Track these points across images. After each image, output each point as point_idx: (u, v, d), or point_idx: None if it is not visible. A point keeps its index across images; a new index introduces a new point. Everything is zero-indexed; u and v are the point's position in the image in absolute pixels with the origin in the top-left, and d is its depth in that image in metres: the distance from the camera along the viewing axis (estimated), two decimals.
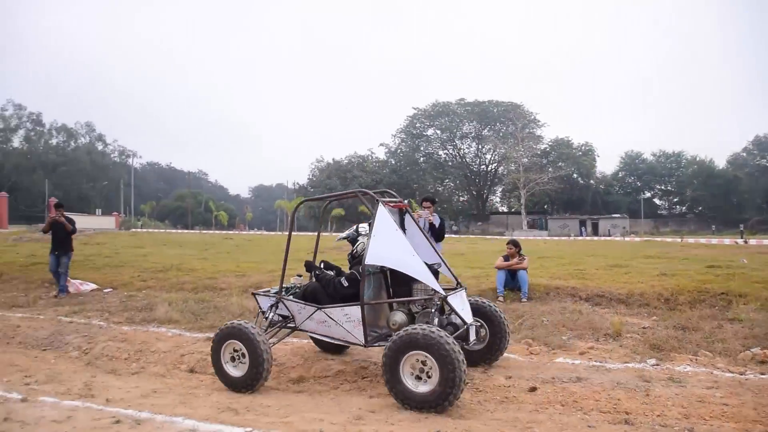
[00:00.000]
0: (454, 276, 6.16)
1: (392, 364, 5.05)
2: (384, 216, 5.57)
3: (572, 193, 71.71)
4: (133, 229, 51.88)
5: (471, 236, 44.48)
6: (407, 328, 5.11)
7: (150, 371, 6.73)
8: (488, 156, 76.64)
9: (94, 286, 12.15)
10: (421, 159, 79.05)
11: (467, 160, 78.18)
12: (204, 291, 11.06)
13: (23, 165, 79.99)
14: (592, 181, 75.07)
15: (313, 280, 6.44)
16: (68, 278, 11.90)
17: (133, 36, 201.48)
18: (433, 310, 5.58)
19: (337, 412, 5.08)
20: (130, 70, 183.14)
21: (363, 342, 5.56)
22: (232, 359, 5.86)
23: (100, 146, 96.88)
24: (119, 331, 8.36)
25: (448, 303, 5.53)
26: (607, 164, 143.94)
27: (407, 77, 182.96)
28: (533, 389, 5.54)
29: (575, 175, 72.32)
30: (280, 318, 6.28)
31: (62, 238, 11.80)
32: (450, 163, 78.56)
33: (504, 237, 39.91)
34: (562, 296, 9.40)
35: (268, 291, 6.56)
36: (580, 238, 47.41)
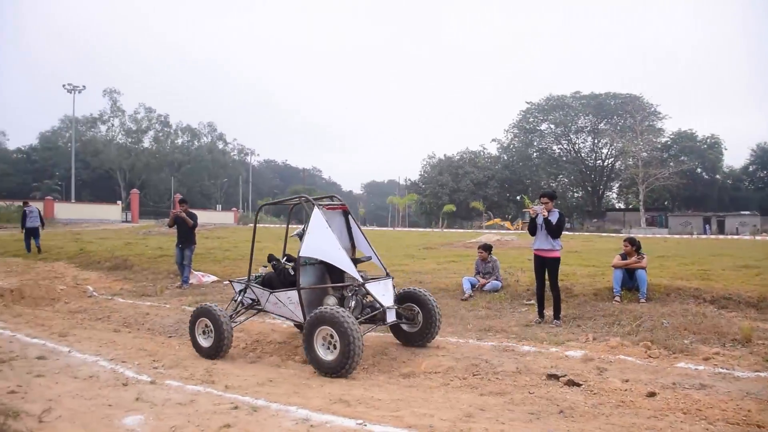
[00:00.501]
0: (383, 267, 7.16)
1: (308, 336, 6.15)
2: (317, 217, 6.66)
3: (695, 188, 67.11)
4: (251, 224, 54.55)
5: (585, 233, 42.78)
6: (320, 308, 6.18)
7: (266, 361, 7.04)
8: (605, 150, 73.49)
9: (214, 278, 12.93)
10: (534, 154, 77.07)
11: (582, 155, 75.31)
12: None
13: (152, 164, 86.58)
14: (718, 176, 70.01)
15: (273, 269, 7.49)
16: (191, 270, 12.74)
17: (251, 40, 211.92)
18: (350, 294, 6.69)
19: (447, 408, 5.07)
20: (248, 73, 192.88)
21: (302, 320, 6.60)
22: (203, 333, 7.10)
23: (220, 145, 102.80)
24: (237, 321, 8.83)
25: (366, 289, 6.62)
26: (735, 157, 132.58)
27: (520, 71, 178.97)
28: (652, 394, 5.25)
29: (699, 170, 67.66)
30: (251, 300, 7.48)
31: (185, 232, 12.65)
32: (564, 159, 76.01)
33: (621, 234, 38.05)
34: (683, 298, 8.89)
35: (241, 279, 7.79)
36: (704, 236, 44.33)
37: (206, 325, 7.07)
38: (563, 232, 8.47)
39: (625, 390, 5.44)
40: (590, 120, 73.41)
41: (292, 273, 7.02)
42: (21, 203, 21.35)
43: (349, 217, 7.39)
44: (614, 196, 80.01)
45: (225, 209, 79.94)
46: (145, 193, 79.43)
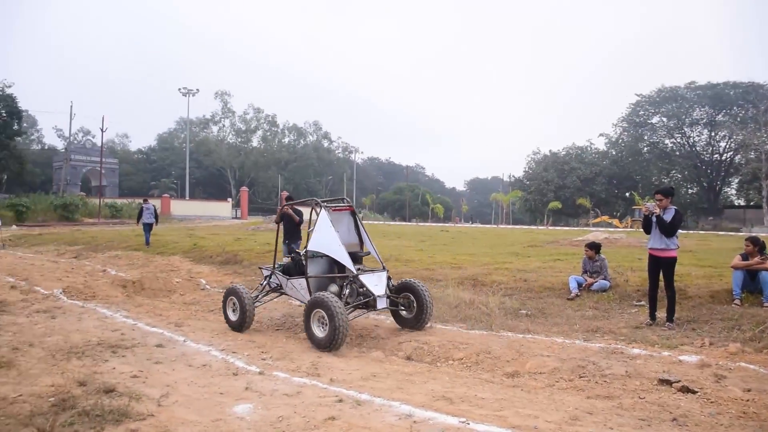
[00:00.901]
0: (380, 261, 8.29)
1: (307, 316, 7.37)
2: (323, 217, 7.97)
3: None
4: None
5: (701, 232, 40.05)
6: (315, 294, 7.42)
7: (370, 356, 7.16)
8: (722, 144, 68.41)
9: None
10: (645, 149, 73.23)
11: (697, 149, 70.62)
12: (422, 281, 11.46)
13: (260, 162, 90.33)
14: None
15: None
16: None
17: (355, 40, 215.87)
18: (345, 283, 7.78)
19: (552, 410, 4.94)
20: (352, 70, 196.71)
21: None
22: (233, 309, 8.45)
23: (325, 143, 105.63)
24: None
25: (358, 279, 7.67)
26: None
27: (629, 63, 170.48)
28: None
29: None
30: (276, 284, 8.71)
31: (292, 229, 13.09)
32: (677, 153, 71.56)
33: (740, 234, 35.30)
34: None
35: (268, 267, 9.02)
36: None
37: (234, 303, 8.47)
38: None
39: (747, 400, 5.08)
40: (706, 112, 68.81)
41: (304, 263, 8.19)
42: (142, 200, 23.00)
43: (356, 216, 8.54)
44: (733, 192, 74.34)
45: None
46: (253, 190, 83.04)
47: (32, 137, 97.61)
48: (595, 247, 10.52)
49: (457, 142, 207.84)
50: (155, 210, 21.25)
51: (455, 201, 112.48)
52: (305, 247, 8.23)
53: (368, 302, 7.73)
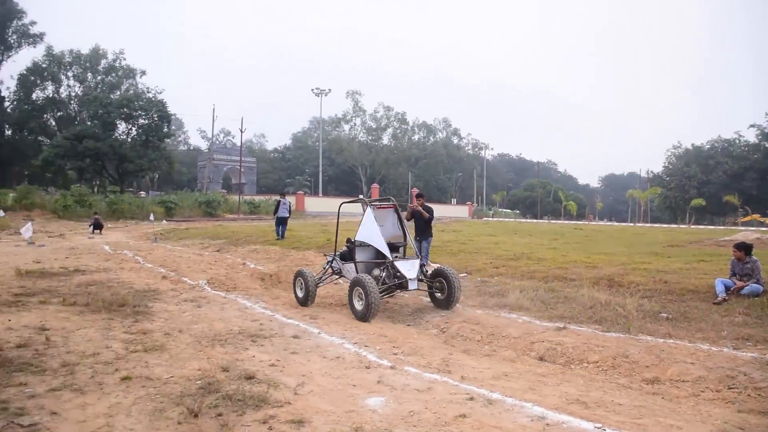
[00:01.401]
0: (416, 250, 10.10)
1: (350, 293, 9.05)
2: (368, 214, 9.65)
3: None
4: (485, 218, 55.05)
5: None
6: (356, 275, 9.21)
7: (501, 355, 7.07)
8: None
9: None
10: None
11: None
12: (554, 281, 11.14)
13: (391, 159, 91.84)
14: None
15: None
16: (428, 262, 13.23)
17: (484, 34, 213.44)
18: (383, 268, 9.49)
19: (698, 422, 4.62)
20: (481, 67, 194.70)
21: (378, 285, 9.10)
22: (300, 287, 10.12)
23: (455, 140, 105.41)
24: (473, 314, 8.99)
25: (393, 265, 9.23)
26: None
27: None
28: None
29: None
30: (337, 268, 10.44)
31: (423, 225, 13.19)
32: None
33: None
34: None
35: (330, 254, 10.85)
36: None
37: (301, 283, 10.14)
38: None
39: None
40: None
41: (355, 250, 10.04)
42: (279, 195, 24.13)
43: (399, 213, 10.27)
44: None
45: (460, 203, 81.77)
46: (384, 187, 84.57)
47: (179, 139, 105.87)
48: (745, 247, 9.63)
49: (591, 137, 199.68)
50: (290, 206, 22.33)
51: (589, 198, 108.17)
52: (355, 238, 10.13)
53: (402, 284, 9.23)
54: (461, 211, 70.48)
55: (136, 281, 12.31)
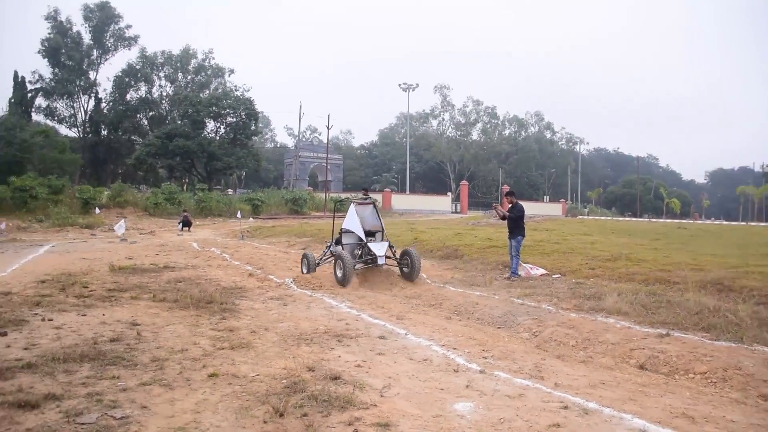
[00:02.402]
0: (384, 236, 13.47)
1: (334, 265, 12.48)
2: (351, 209, 13.42)
3: None
4: (580, 216, 53.52)
5: None
6: (339, 251, 12.81)
7: (597, 362, 6.84)
8: None
9: (543, 271, 13.01)
10: None
11: None
12: (655, 283, 10.70)
13: (480, 155, 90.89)
14: None
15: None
16: (520, 262, 13.03)
17: (580, 30, 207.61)
18: (359, 247, 13.12)
19: None
20: (576, 57, 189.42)
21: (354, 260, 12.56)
22: (306, 266, 13.49)
23: (548, 134, 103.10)
24: (567, 317, 8.76)
25: (367, 245, 12.70)
26: None
27: None
28: None
29: None
30: (334, 251, 13.51)
31: (511, 224, 13.00)
32: None
33: None
34: None
35: (329, 241, 14.41)
36: None
37: (306, 262, 13.57)
38: None
39: None
40: None
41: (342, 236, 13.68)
42: (362, 193, 24.35)
43: (376, 207, 14.20)
44: None
45: (553, 200, 79.92)
46: (473, 184, 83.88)
47: (266, 136, 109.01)
48: None
49: (696, 130, 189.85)
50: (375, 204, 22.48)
51: (694, 195, 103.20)
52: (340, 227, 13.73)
53: (373, 259, 12.61)
54: (554, 209, 68.81)
55: (223, 278, 12.80)
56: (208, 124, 60.35)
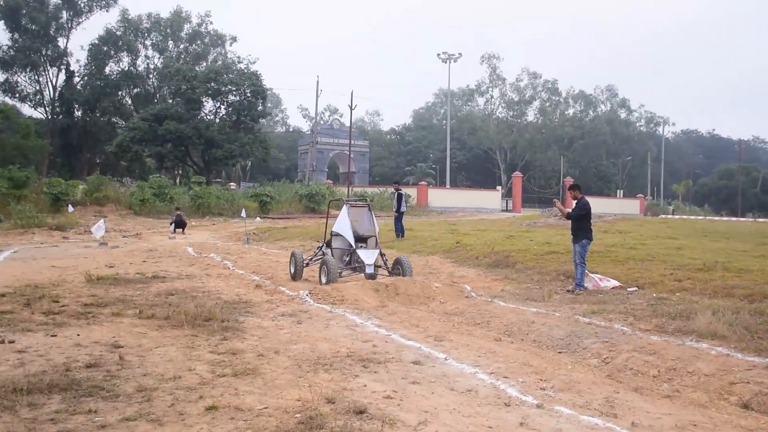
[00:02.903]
0: (377, 243, 14.96)
1: (320, 269, 13.94)
2: (343, 211, 14.80)
3: None
4: (663, 215, 52.94)
5: None
6: (325, 257, 14.26)
7: (686, 397, 6.74)
8: None
9: (616, 283, 12.89)
10: None
11: None
12: (763, 300, 10.52)
13: (537, 140, 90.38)
14: None
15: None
16: (586, 271, 12.92)
17: None
18: (348, 253, 14.78)
19: None
20: (654, 19, 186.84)
21: (341, 267, 14.52)
22: (293, 266, 14.99)
23: (622, 114, 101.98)
24: (646, 340, 8.66)
25: (356, 252, 14.33)
26: None
27: None
28: None
29: None
30: (323, 253, 15.07)
31: (574, 225, 12.90)
32: None
33: None
34: None
35: (321, 241, 16.08)
36: None
37: (294, 262, 15.11)
38: None
39: None
40: None
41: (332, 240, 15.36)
42: (393, 186, 24.37)
43: (371, 211, 15.54)
44: None
45: (628, 195, 79.19)
46: (528, 175, 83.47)
47: (276, 119, 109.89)
48: None
49: None
50: (406, 198, 22.57)
51: None
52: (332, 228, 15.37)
53: (361, 267, 14.29)
54: (630, 206, 68.18)
55: (224, 291, 12.93)
56: (205, 103, 61.00)
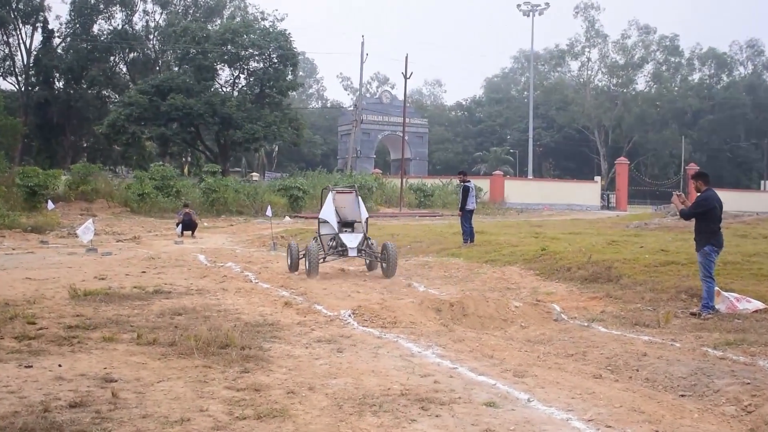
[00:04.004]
0: (365, 228, 18.92)
1: (304, 256, 18.34)
2: (329, 197, 19.30)
3: None
4: None
5: None
6: (309, 244, 18.98)
7: None
8: None
9: (760, 305, 12.63)
10: None
11: None
12: None
13: (649, 116, 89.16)
14: None
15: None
16: (716, 289, 12.69)
17: None
18: (331, 239, 18.91)
19: None
20: None
21: (324, 251, 18.75)
22: (290, 258, 19.01)
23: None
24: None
25: (339, 237, 18.41)
26: None
27: None
28: None
29: None
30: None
31: (702, 225, 12.67)
32: None
33: None
34: None
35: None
36: None
37: (290, 254, 18.70)
38: None
39: None
40: None
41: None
42: (459, 177, 24.13)
43: (358, 197, 19.49)
44: None
45: None
46: (637, 162, 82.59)
47: (310, 91, 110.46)
48: None
49: None
50: (475, 192, 22.50)
51: None
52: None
53: (344, 251, 18.02)
54: None
55: (245, 310, 13.06)
56: (220, 71, 61.66)
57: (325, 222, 18.98)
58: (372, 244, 18.75)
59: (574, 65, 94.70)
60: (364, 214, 19.30)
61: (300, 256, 18.58)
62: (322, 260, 18.34)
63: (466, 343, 10.75)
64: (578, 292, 15.11)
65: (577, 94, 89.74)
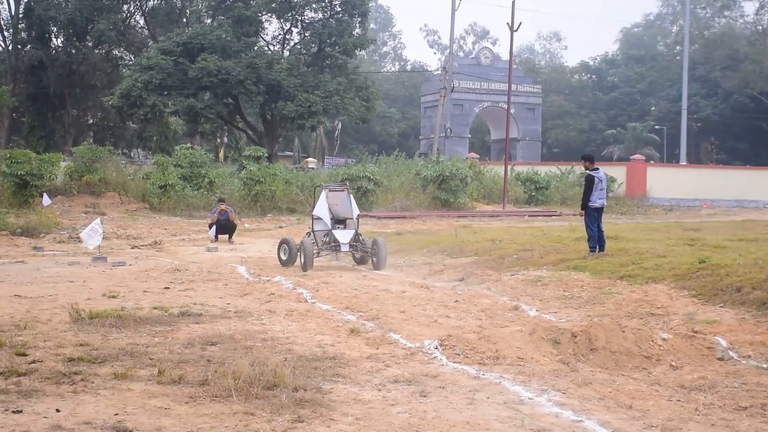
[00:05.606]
0: (356, 225, 25.83)
1: (297, 251, 24.98)
2: (322, 195, 26.30)
3: None
4: None
5: None
6: (303, 239, 25.19)
7: None
8: None
9: None
10: None
11: None
12: None
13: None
14: None
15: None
16: None
17: None
18: (325, 234, 25.68)
19: None
20: None
21: (318, 247, 25.55)
22: (284, 252, 25.39)
23: None
24: None
25: (331, 233, 25.21)
26: None
27: None
28: None
29: None
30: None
31: None
32: None
33: None
34: None
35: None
36: None
37: (285, 248, 24.86)
38: None
39: None
40: None
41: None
42: (582, 162, 23.69)
43: (350, 195, 26.52)
44: None
45: None
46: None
47: (384, 50, 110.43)
48: None
49: None
50: (607, 184, 22.32)
51: None
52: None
53: (337, 247, 24.54)
54: None
55: (299, 339, 13.12)
56: (267, 25, 61.93)
57: (319, 218, 24.84)
58: (363, 240, 24.95)
59: (749, 6, 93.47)
60: (356, 211, 25.53)
61: (297, 251, 24.12)
62: (315, 255, 24.03)
63: (594, 387, 10.64)
64: (753, 321, 14.76)
65: (753, 48, 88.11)
